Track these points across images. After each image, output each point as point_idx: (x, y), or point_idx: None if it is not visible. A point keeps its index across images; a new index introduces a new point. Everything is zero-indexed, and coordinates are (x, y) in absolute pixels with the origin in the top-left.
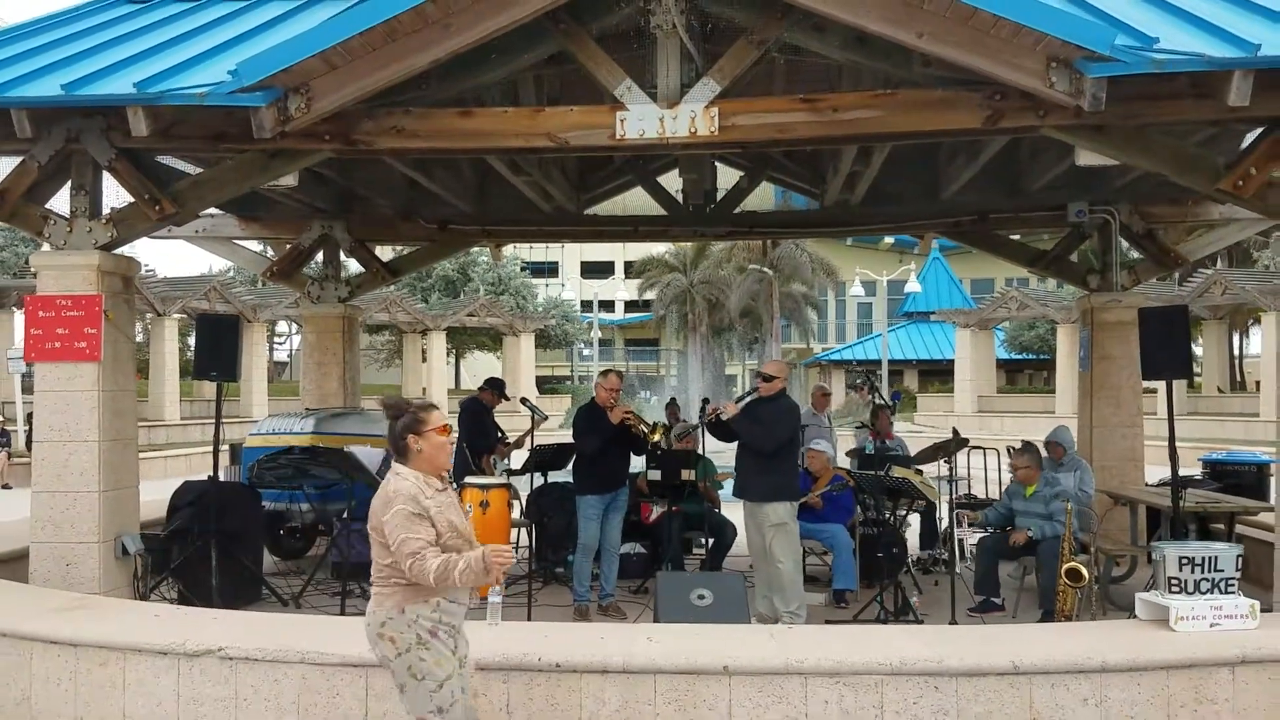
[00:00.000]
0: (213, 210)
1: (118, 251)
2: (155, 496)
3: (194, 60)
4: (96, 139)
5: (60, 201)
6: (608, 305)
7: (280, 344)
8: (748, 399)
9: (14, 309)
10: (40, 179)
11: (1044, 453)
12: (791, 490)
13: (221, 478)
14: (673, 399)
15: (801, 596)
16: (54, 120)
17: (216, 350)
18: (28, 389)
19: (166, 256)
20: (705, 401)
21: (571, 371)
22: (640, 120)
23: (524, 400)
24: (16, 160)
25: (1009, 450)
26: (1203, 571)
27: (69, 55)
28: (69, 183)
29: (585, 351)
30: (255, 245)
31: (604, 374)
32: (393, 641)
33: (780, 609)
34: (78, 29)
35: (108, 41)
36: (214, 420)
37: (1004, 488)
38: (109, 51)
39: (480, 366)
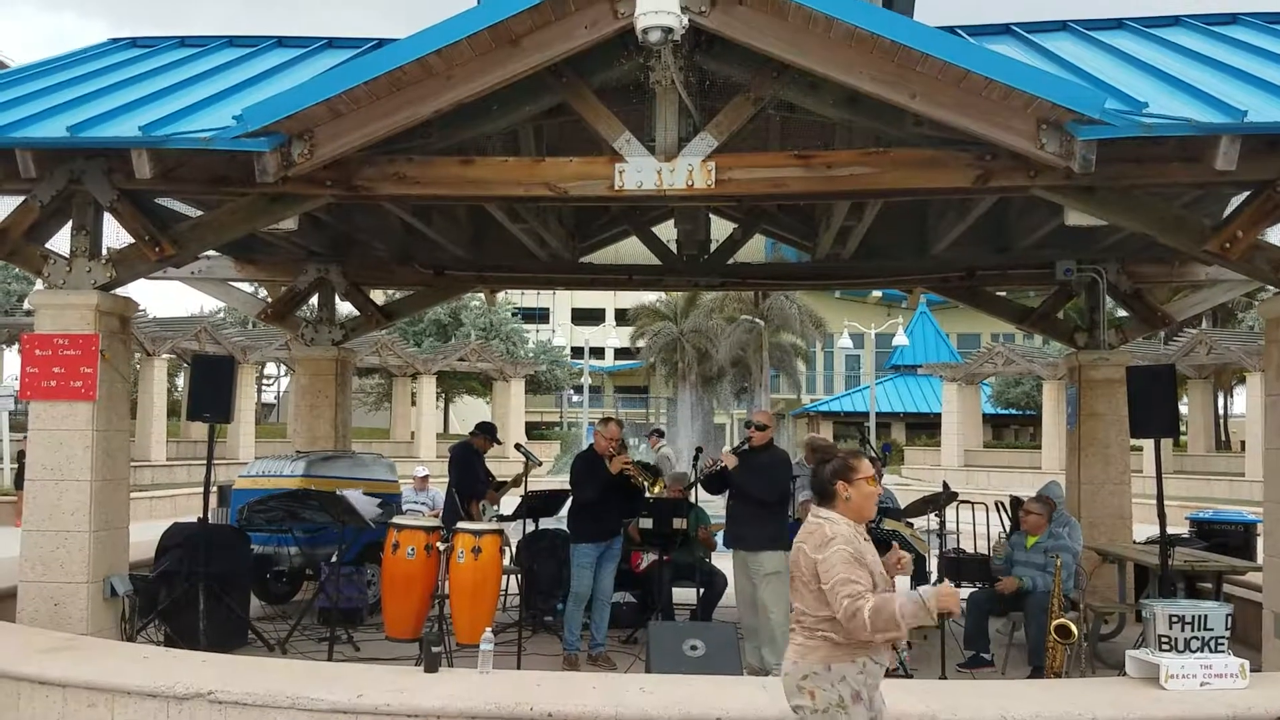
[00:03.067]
0: (209, 251)
1: (116, 292)
2: (141, 538)
3: (198, 105)
4: (99, 180)
5: (60, 241)
6: (598, 352)
7: (268, 385)
8: (743, 449)
9: (4, 346)
10: (41, 218)
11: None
12: (785, 539)
13: (210, 520)
14: (656, 429)
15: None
16: (57, 161)
17: (211, 391)
18: (16, 427)
19: (157, 296)
20: (699, 451)
21: (561, 418)
22: (638, 172)
23: (518, 446)
24: (18, 199)
25: (997, 506)
26: (1193, 630)
27: (74, 98)
28: (69, 223)
29: (575, 398)
30: (248, 287)
31: (604, 422)
32: (812, 696)
33: (770, 661)
34: (83, 72)
35: (113, 85)
36: (204, 462)
37: (999, 540)
38: (114, 95)
39: (470, 411)
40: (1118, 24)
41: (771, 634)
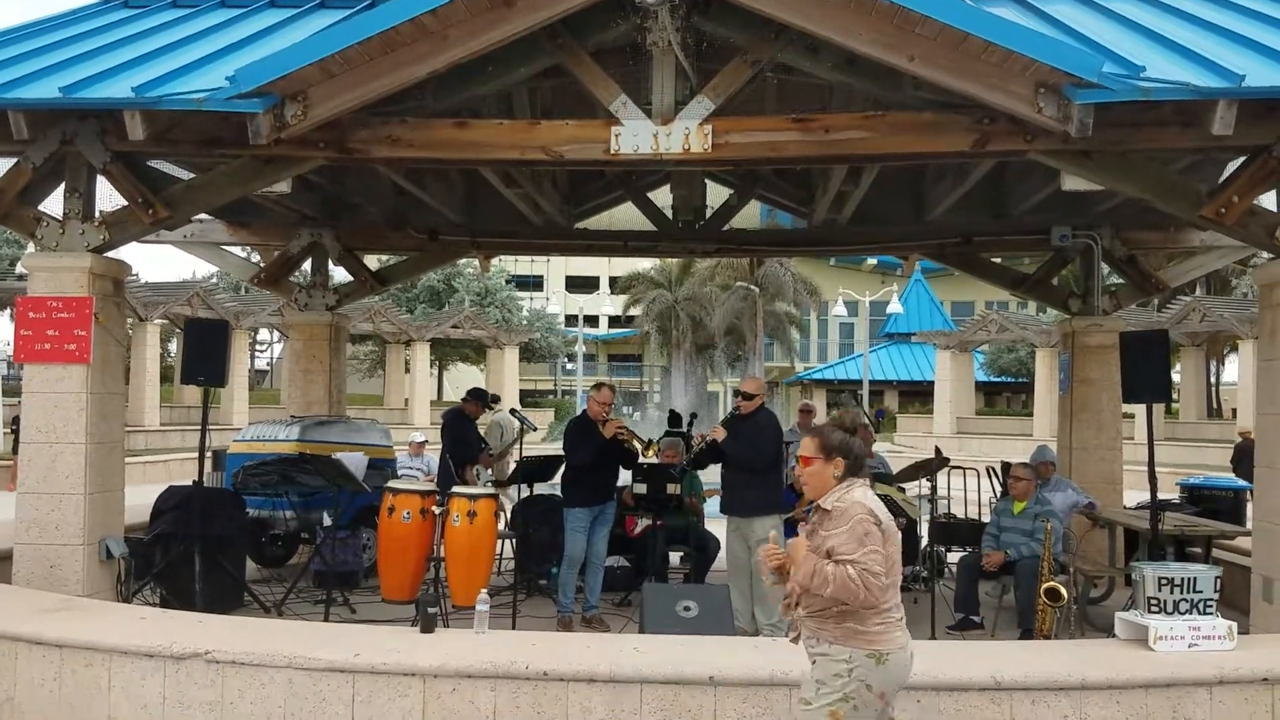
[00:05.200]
0: (202, 215)
1: (109, 254)
2: (135, 502)
3: (191, 66)
4: (91, 142)
5: (53, 203)
6: (592, 320)
7: (262, 351)
8: (731, 418)
9: None
10: (34, 180)
11: None
12: (778, 504)
13: (205, 483)
14: (672, 412)
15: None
16: (50, 122)
17: (205, 355)
18: (10, 391)
19: (149, 261)
20: (694, 416)
21: (555, 385)
22: (635, 136)
23: (513, 411)
24: (11, 161)
25: (989, 471)
26: (1182, 592)
27: (66, 58)
28: (62, 185)
29: (569, 366)
30: (241, 251)
31: (596, 387)
32: None
33: (762, 622)
34: (75, 32)
35: (105, 45)
36: (198, 427)
37: (991, 507)
38: (106, 55)
39: (464, 378)
40: None
41: (763, 595)
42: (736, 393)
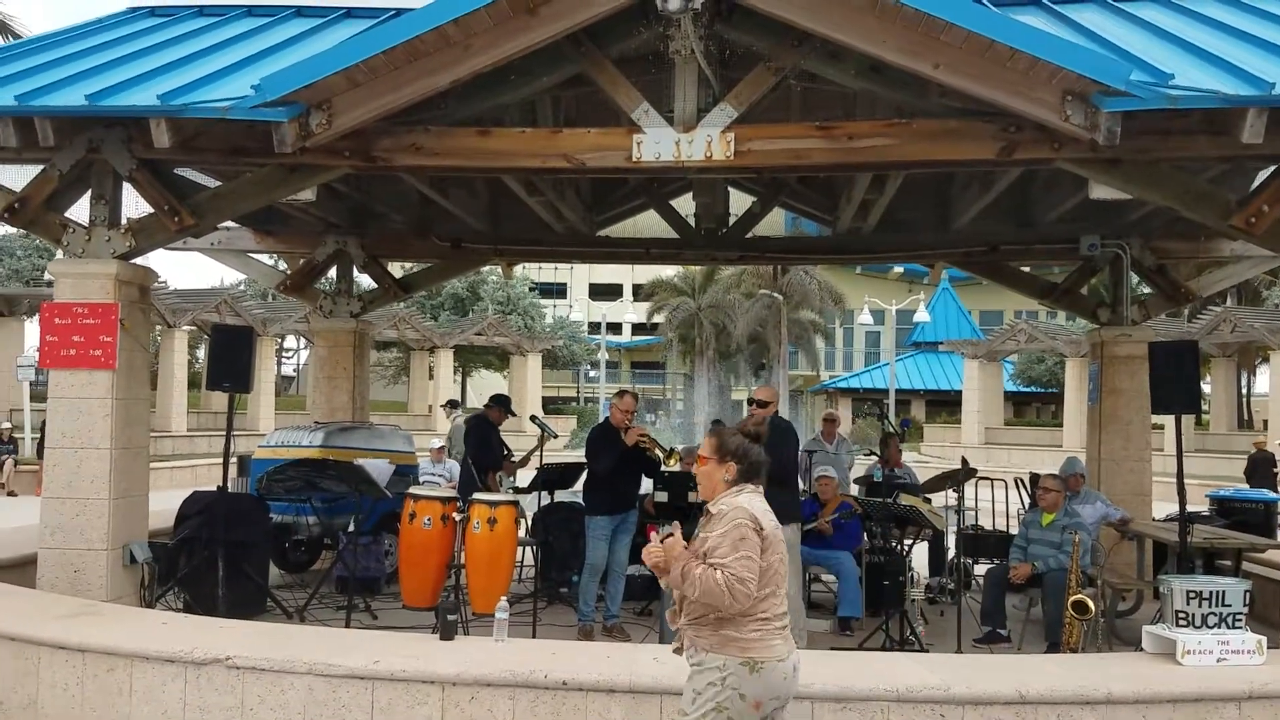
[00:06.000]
0: (228, 223)
1: (135, 261)
2: (160, 507)
3: (217, 74)
4: (118, 149)
5: (79, 211)
6: (615, 327)
7: (288, 358)
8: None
9: (25, 317)
10: (60, 187)
11: None
12: (795, 512)
13: (230, 489)
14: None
15: (801, 621)
16: (76, 130)
17: (230, 361)
18: (37, 397)
19: (178, 267)
20: (716, 423)
21: (578, 393)
22: (657, 143)
23: (534, 418)
24: (38, 168)
25: (1016, 483)
26: (1210, 606)
27: (93, 66)
28: (88, 192)
29: (592, 373)
30: (268, 259)
31: (619, 395)
32: None
33: None
34: (101, 41)
35: (131, 54)
36: (223, 432)
37: (1019, 518)
38: (133, 64)
39: (487, 385)
40: None
41: None
42: (750, 401)
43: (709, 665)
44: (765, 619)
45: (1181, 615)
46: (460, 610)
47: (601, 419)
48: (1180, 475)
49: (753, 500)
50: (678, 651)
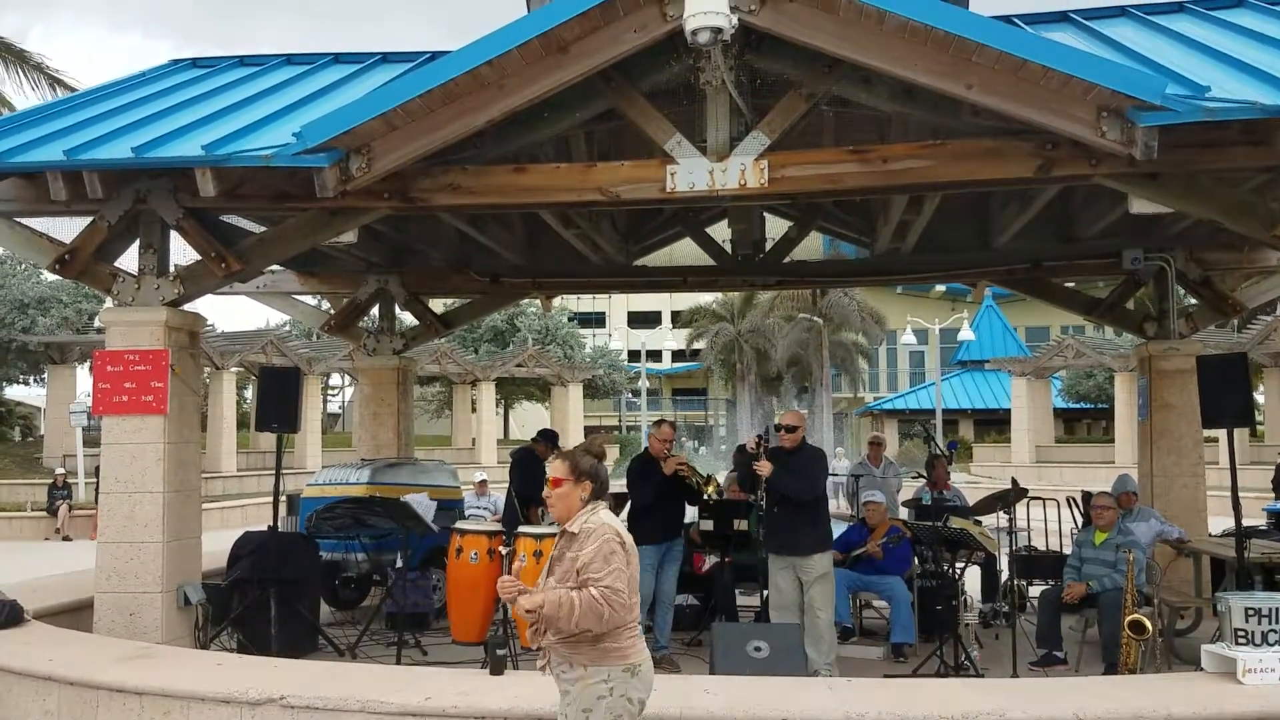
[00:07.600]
0: (273, 266)
1: (184, 307)
2: (212, 548)
3: (259, 123)
4: (164, 199)
5: (128, 260)
6: (655, 355)
7: (334, 396)
8: (774, 451)
9: (76, 364)
10: (109, 238)
11: None
12: (830, 539)
13: (280, 528)
14: (768, 428)
15: (835, 648)
16: (123, 182)
17: (278, 402)
18: (90, 442)
19: (225, 311)
20: (766, 430)
21: (619, 421)
22: (690, 173)
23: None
24: (87, 220)
25: (1069, 502)
26: (1270, 623)
27: (138, 119)
28: (136, 241)
29: (633, 401)
30: (312, 299)
31: (656, 424)
32: None
33: (818, 660)
34: (146, 93)
35: (175, 105)
36: (273, 472)
37: (1073, 537)
38: (176, 115)
39: (529, 417)
40: (1178, 7)
41: (819, 634)
42: (778, 427)
43: (593, 679)
44: (633, 625)
45: (1241, 633)
46: (509, 644)
47: (643, 448)
48: (1235, 489)
49: (610, 516)
50: (543, 670)
